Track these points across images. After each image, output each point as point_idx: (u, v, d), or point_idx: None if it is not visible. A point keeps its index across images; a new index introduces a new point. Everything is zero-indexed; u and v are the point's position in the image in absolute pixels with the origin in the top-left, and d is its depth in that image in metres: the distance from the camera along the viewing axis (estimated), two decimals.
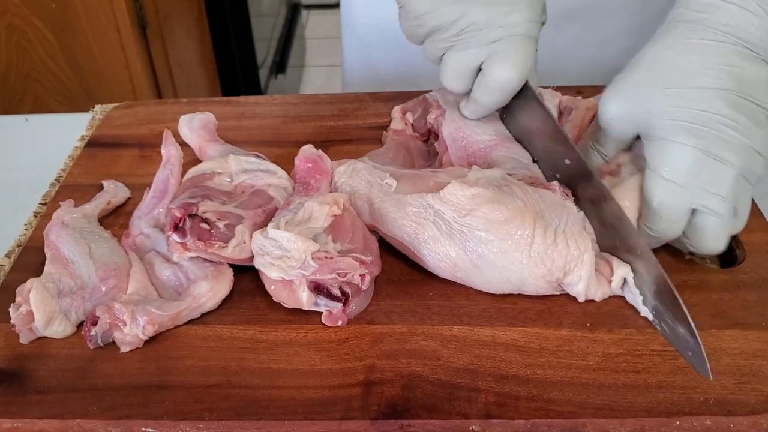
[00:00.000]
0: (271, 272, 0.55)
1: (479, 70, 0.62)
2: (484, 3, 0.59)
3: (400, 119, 0.74)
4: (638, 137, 0.58)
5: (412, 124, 0.73)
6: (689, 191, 0.53)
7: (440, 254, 0.56)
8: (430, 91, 0.73)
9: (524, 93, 0.63)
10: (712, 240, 0.55)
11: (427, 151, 0.72)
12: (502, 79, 0.60)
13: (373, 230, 0.61)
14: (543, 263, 0.55)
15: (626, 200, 0.57)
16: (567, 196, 0.58)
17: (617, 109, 0.57)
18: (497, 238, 0.55)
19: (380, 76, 1.00)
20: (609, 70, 0.66)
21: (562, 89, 0.73)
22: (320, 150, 0.67)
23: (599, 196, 0.58)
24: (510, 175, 0.60)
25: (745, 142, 0.52)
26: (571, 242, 0.55)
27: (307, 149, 0.67)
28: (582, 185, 0.59)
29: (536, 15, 0.60)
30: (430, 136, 0.72)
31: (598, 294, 0.56)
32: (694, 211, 0.55)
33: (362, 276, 0.55)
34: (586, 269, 0.55)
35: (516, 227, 0.55)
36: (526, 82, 0.62)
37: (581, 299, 0.56)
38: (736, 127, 0.52)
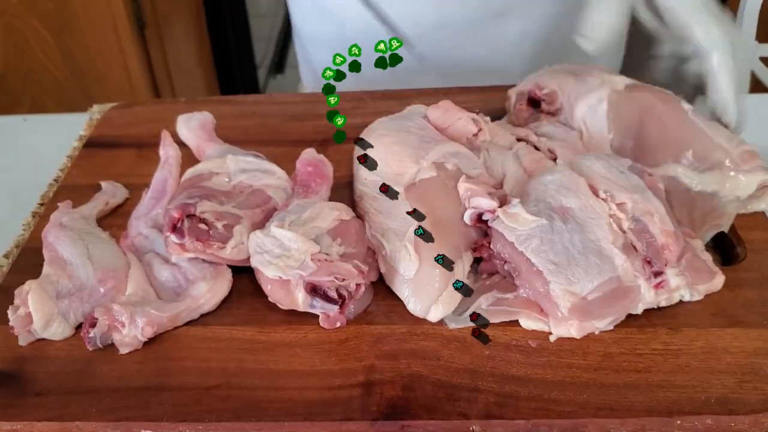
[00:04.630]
0: (268, 271, 0.54)
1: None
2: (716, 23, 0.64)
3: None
4: None
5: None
6: None
7: None
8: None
9: None
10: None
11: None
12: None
13: None
14: None
15: None
16: None
17: None
18: None
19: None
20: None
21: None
22: (321, 155, 0.67)
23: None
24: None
25: None
26: None
27: (309, 153, 0.67)
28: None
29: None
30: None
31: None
32: None
33: (358, 285, 0.55)
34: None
35: None
36: None
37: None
38: None
